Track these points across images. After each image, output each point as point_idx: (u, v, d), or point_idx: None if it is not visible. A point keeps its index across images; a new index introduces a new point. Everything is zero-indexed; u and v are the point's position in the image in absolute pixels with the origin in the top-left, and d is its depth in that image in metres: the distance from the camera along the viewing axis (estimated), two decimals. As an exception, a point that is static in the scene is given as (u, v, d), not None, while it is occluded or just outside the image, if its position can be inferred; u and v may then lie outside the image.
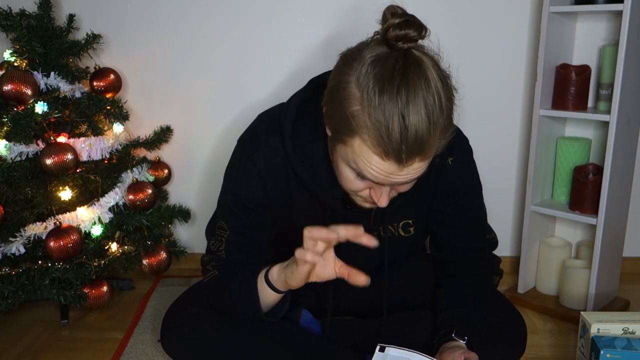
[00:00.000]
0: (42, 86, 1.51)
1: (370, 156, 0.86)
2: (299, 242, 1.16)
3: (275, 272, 1.03)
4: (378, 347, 0.96)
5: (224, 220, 1.13)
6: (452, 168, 1.11)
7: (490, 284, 1.21)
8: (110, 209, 1.56)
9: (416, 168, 0.87)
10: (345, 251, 1.16)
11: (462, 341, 1.04)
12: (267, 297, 1.05)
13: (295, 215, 1.12)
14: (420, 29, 0.83)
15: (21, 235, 1.44)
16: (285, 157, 1.05)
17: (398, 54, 0.84)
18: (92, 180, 1.58)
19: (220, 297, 1.11)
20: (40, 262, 1.44)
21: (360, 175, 0.91)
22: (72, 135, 1.56)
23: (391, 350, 0.96)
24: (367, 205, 1.00)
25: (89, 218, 1.50)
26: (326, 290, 1.18)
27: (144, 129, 1.78)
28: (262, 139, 1.06)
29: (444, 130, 0.86)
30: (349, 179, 0.94)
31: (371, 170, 0.87)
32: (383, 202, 0.94)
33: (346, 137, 0.87)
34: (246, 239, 1.12)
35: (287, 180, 1.08)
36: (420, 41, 0.85)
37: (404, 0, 0.90)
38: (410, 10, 0.87)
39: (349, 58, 0.88)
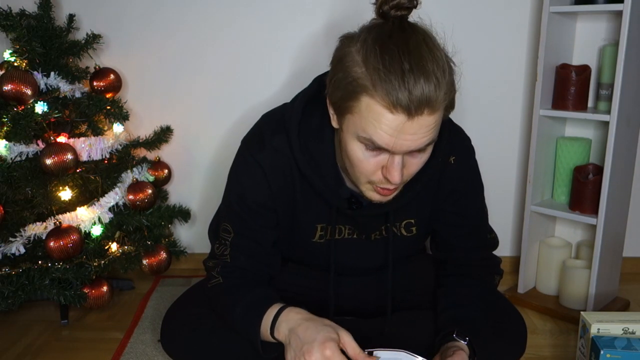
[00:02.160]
0: (42, 86, 1.51)
1: (379, 113, 0.86)
2: (302, 242, 1.16)
3: (281, 334, 0.99)
4: (365, 353, 0.95)
5: (229, 222, 1.12)
6: (454, 167, 1.11)
7: (490, 284, 1.21)
8: (110, 209, 1.56)
9: (425, 124, 0.87)
10: (349, 251, 1.17)
11: (463, 342, 1.04)
12: (268, 339, 1.03)
13: (300, 215, 1.12)
14: None
15: (21, 235, 1.44)
16: (291, 157, 1.05)
17: (394, 20, 0.88)
18: (92, 180, 1.58)
19: (223, 314, 1.10)
20: (40, 262, 1.44)
21: (371, 145, 0.90)
22: (72, 135, 1.56)
23: (381, 353, 0.95)
24: (377, 197, 0.99)
25: (89, 218, 1.50)
26: (327, 290, 1.18)
27: (144, 129, 1.78)
28: (267, 139, 1.06)
29: (449, 84, 0.88)
30: (359, 159, 0.93)
31: (380, 132, 0.87)
32: (396, 177, 0.91)
33: (353, 102, 0.88)
34: (251, 241, 1.11)
35: (292, 180, 1.07)
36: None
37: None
38: (411, 12, 0.89)
39: (348, 37, 0.92)
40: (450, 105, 0.91)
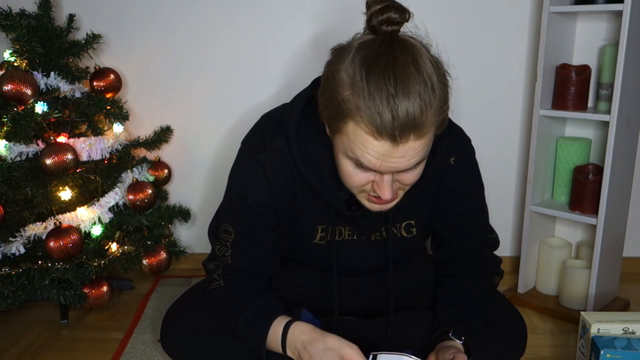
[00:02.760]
0: (42, 86, 1.51)
1: (364, 138, 0.85)
2: (302, 243, 1.16)
3: (293, 354, 1.00)
4: (370, 357, 0.96)
5: (229, 223, 1.12)
6: (454, 167, 1.11)
7: (490, 284, 1.21)
8: (110, 209, 1.56)
9: (413, 148, 0.86)
10: (349, 252, 1.17)
11: (458, 341, 1.03)
12: (276, 349, 1.03)
13: (300, 216, 1.12)
14: (403, 11, 0.85)
15: (21, 235, 1.44)
16: (291, 158, 1.05)
17: (383, 37, 0.86)
18: (92, 180, 1.58)
19: (225, 319, 1.10)
20: (40, 262, 1.44)
21: (359, 165, 0.90)
22: (72, 135, 1.56)
23: (383, 357, 0.96)
24: (375, 206, 0.98)
25: (89, 218, 1.50)
26: (327, 291, 1.18)
27: (144, 129, 1.78)
28: (268, 139, 1.06)
29: (438, 106, 0.86)
30: (349, 173, 0.93)
31: (367, 155, 0.87)
32: (386, 194, 0.92)
33: (341, 124, 0.88)
34: (251, 242, 1.11)
35: (293, 181, 1.07)
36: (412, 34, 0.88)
37: (405, 2, 0.89)
38: (402, 26, 0.88)
39: (339, 50, 0.90)
40: (441, 124, 0.90)
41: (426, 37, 0.90)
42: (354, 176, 0.93)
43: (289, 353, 1.00)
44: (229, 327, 1.09)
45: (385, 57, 0.84)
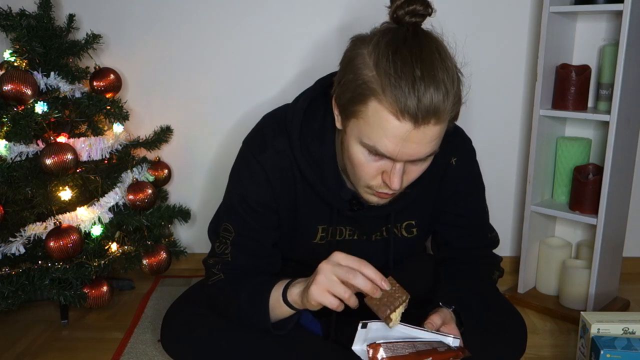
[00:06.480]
0: (42, 86, 1.51)
1: (385, 119, 0.86)
2: (303, 243, 1.16)
3: (294, 294, 0.99)
4: (360, 325, 0.94)
5: (230, 222, 1.12)
6: (456, 168, 1.12)
7: (489, 278, 1.21)
8: (110, 209, 1.56)
9: (430, 133, 0.87)
10: (349, 252, 1.16)
11: (447, 308, 1.03)
12: (281, 313, 1.03)
13: (301, 216, 1.12)
14: (427, 5, 0.87)
15: (21, 235, 1.44)
16: (293, 158, 1.05)
17: (408, 26, 0.88)
18: (92, 180, 1.58)
19: (227, 304, 1.10)
20: (40, 262, 1.44)
21: (373, 151, 0.90)
22: (72, 135, 1.57)
23: (373, 325, 0.95)
24: (376, 199, 0.99)
25: (89, 218, 1.50)
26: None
27: (144, 129, 1.78)
28: (269, 140, 1.06)
29: (456, 95, 0.88)
30: (360, 162, 0.93)
31: (385, 140, 0.87)
32: (396, 183, 0.92)
33: (361, 106, 0.88)
34: (252, 241, 1.11)
35: (294, 182, 1.07)
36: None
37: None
38: (425, 19, 0.90)
39: (360, 38, 0.91)
40: (454, 117, 0.92)
41: (441, 36, 0.92)
42: (365, 165, 0.93)
43: (290, 295, 0.99)
44: (229, 311, 1.09)
45: (412, 42, 0.86)
